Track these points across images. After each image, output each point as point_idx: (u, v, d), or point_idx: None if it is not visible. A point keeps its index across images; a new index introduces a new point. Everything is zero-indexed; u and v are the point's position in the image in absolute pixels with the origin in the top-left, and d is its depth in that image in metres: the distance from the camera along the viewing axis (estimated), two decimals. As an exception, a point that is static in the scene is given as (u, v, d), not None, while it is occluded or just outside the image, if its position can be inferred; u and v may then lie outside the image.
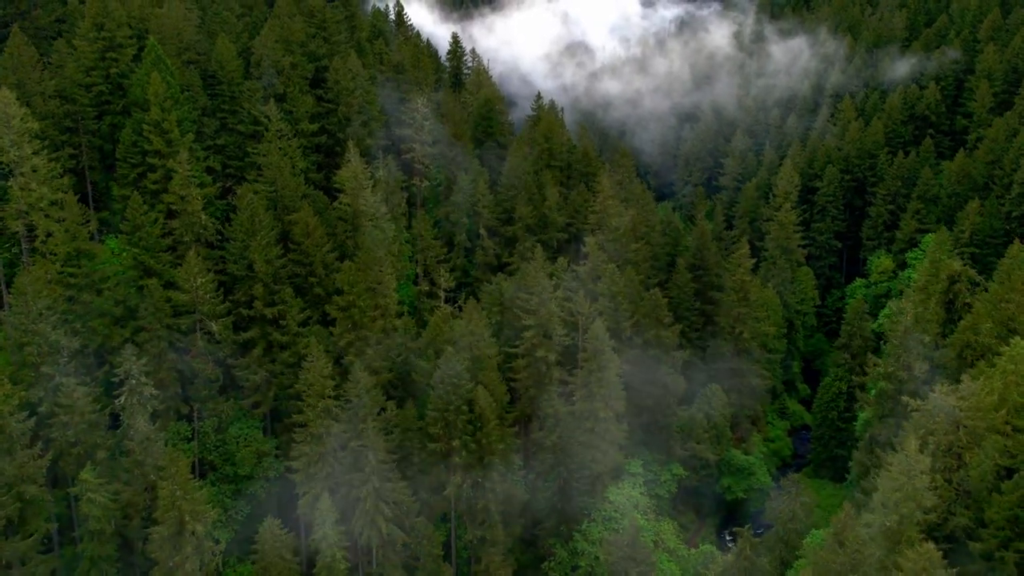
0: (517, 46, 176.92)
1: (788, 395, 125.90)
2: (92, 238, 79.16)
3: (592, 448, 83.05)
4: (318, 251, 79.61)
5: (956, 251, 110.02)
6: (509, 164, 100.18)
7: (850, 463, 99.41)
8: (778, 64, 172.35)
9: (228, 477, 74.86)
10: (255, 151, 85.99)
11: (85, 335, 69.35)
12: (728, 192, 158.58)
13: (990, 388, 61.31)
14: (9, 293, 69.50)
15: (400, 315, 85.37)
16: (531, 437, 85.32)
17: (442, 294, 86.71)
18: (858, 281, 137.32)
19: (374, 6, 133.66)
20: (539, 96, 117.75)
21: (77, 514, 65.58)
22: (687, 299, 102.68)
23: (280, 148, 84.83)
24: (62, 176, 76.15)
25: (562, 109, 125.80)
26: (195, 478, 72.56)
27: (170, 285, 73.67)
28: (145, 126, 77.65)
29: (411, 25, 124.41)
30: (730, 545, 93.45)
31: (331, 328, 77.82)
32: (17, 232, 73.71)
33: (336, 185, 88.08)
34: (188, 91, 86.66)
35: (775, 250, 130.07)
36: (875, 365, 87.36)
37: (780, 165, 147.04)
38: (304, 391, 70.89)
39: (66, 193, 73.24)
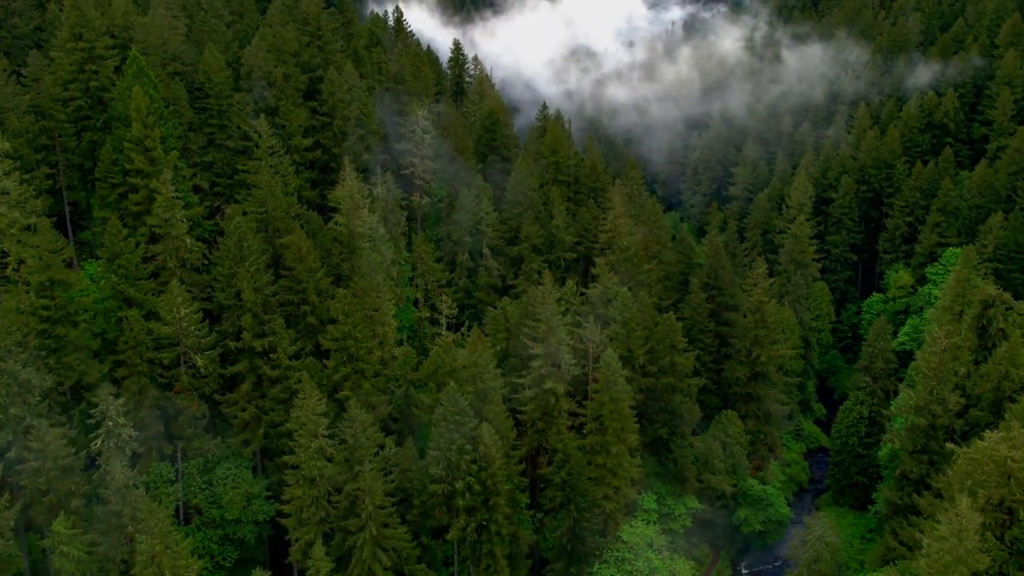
0: (520, 51, 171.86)
1: (803, 415, 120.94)
2: (70, 264, 74.16)
3: (604, 485, 78.05)
4: (311, 277, 74.49)
5: (979, 266, 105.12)
6: (514, 179, 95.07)
7: (874, 494, 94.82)
8: (790, 70, 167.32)
9: (214, 521, 69.69)
10: (245, 169, 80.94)
11: (60, 371, 64.25)
12: (739, 203, 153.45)
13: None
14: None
15: (400, 342, 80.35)
16: (538, 472, 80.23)
17: (444, 321, 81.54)
18: (875, 296, 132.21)
19: (372, 12, 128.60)
20: (544, 106, 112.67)
21: (51, 567, 60.55)
22: (701, 321, 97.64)
23: (271, 165, 79.75)
24: (37, 197, 71.00)
25: (569, 121, 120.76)
26: (178, 525, 67.64)
27: (152, 315, 68.61)
28: (126, 144, 72.60)
29: (411, 32, 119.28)
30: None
31: (325, 360, 72.75)
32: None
33: (331, 204, 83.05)
34: (173, 105, 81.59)
35: (789, 264, 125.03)
36: (902, 392, 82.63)
37: (793, 175, 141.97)
38: (296, 430, 65.85)
39: (40, 217, 68.18)
